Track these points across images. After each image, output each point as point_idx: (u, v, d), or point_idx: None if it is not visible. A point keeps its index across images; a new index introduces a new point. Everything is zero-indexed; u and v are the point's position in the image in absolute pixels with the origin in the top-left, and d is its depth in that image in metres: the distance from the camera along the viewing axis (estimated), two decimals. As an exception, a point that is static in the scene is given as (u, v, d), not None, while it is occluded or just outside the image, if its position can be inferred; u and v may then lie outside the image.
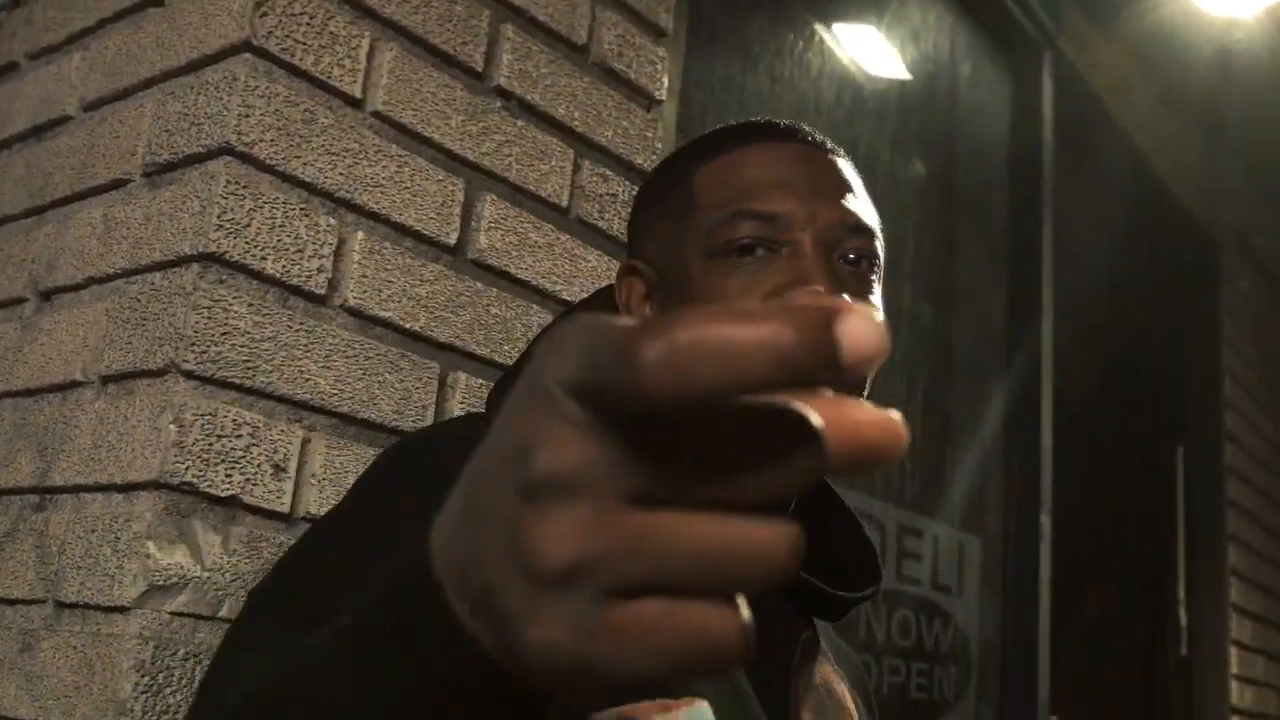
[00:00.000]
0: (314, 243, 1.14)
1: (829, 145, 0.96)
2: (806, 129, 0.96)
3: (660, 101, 1.57)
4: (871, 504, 2.17)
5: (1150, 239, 3.53)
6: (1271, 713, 3.95)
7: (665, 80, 1.58)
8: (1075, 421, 2.88)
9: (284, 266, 1.12)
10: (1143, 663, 3.46)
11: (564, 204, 1.41)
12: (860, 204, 0.92)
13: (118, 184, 1.20)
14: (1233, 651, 3.64)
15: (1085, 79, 3.01)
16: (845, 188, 0.92)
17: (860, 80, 2.32)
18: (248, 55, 1.11)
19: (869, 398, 0.77)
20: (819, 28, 2.21)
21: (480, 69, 1.33)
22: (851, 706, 0.97)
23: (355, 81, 1.20)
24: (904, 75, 2.44)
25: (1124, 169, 3.25)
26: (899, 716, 2.20)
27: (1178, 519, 3.58)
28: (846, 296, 0.80)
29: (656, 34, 1.59)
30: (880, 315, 0.78)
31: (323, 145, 1.16)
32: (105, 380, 1.12)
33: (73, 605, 1.06)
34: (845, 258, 0.89)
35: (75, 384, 1.15)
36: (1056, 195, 2.83)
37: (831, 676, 0.96)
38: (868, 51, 2.34)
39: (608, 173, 1.47)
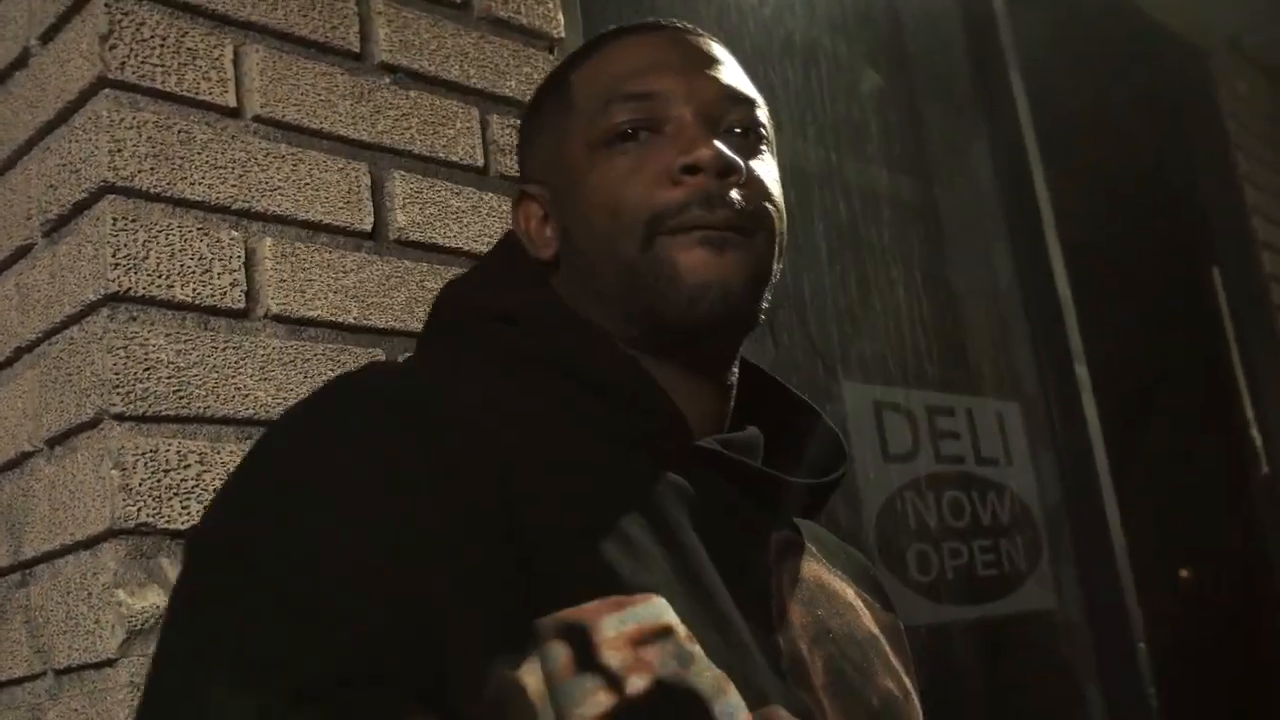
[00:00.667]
0: (220, 259, 1.13)
1: (701, 31, 0.93)
2: (679, 21, 0.93)
3: (561, 39, 1.53)
4: (893, 393, 2.12)
5: (1131, 63, 3.43)
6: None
7: (561, 17, 1.55)
8: (1097, 266, 2.81)
9: (194, 289, 1.10)
10: (1220, 490, 3.39)
11: (480, 164, 1.38)
12: (738, 77, 0.90)
13: (22, 251, 1.19)
14: (1316, 457, 3.55)
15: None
16: (721, 63, 0.89)
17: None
18: (107, 90, 1.10)
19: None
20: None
21: (358, 49, 1.30)
22: (854, 600, 0.93)
23: (227, 91, 1.18)
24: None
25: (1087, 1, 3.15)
26: (970, 596, 2.16)
27: (1229, 340, 3.49)
28: (741, 161, 0.82)
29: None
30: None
31: (207, 161, 1.14)
32: (51, 443, 1.11)
33: (68, 670, 1.05)
34: (731, 131, 0.86)
35: (26, 455, 1.15)
36: (1019, 39, 2.75)
37: (823, 572, 0.92)
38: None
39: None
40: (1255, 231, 3.65)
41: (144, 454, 1.03)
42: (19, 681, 1.12)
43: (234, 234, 1.14)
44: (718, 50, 0.91)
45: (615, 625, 0.67)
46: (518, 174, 1.01)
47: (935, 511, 2.13)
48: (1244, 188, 3.69)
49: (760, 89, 0.92)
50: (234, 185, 1.15)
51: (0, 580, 1.16)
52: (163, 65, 1.13)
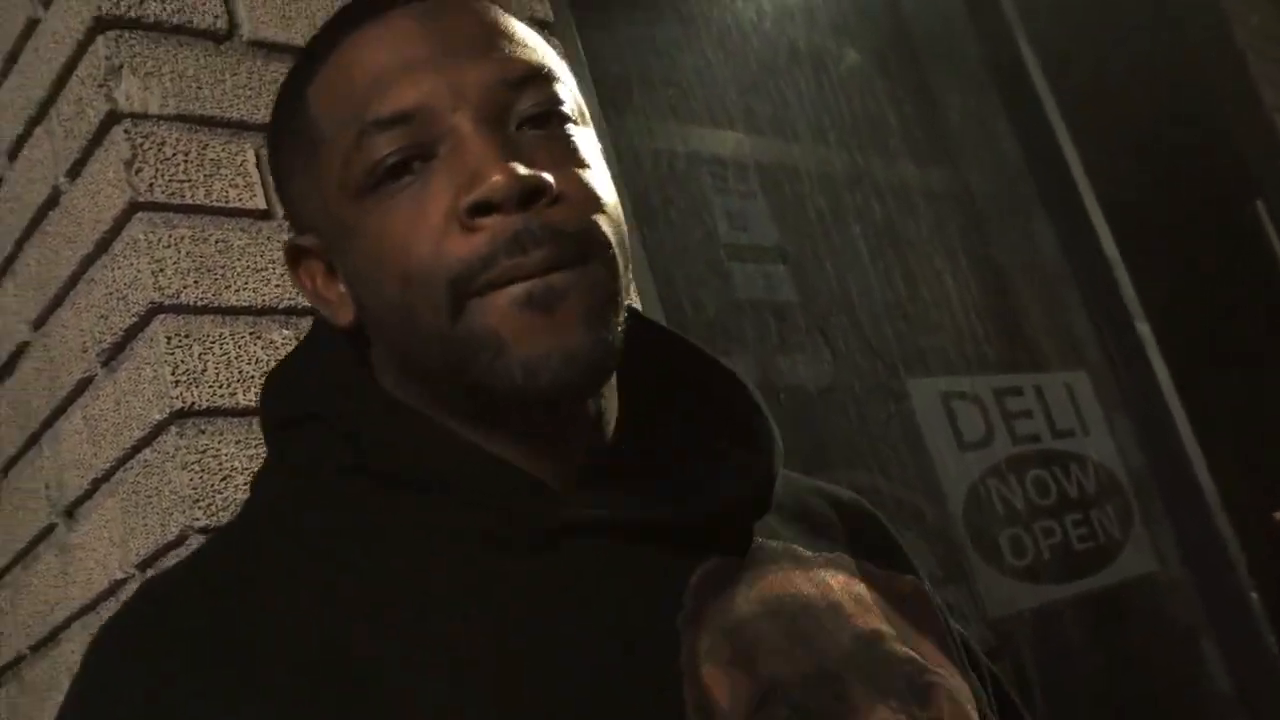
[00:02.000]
0: (275, 360, 1.13)
1: None
2: None
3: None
4: (958, 382, 2.10)
5: (1140, 12, 3.40)
6: None
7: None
8: (1141, 222, 2.77)
9: (256, 394, 1.11)
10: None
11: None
12: (518, 47, 0.69)
13: (84, 384, 1.21)
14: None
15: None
16: (492, 36, 0.68)
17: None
18: (139, 214, 1.11)
19: None
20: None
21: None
22: (840, 592, 0.73)
23: (255, 195, 1.19)
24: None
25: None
26: (1070, 572, 2.12)
27: (1284, 272, 3.43)
28: (548, 176, 0.64)
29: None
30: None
31: (247, 266, 1.15)
32: (142, 567, 1.12)
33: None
34: (525, 123, 0.67)
35: (120, 583, 1.16)
36: (1023, 7, 2.73)
37: (785, 580, 0.71)
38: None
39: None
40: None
41: (232, 563, 1.04)
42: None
43: (285, 332, 1.15)
44: (485, 14, 0.70)
45: None
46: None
47: (1021, 493, 2.10)
48: (1274, 118, 3.64)
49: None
50: (277, 285, 1.16)
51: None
52: (189, 180, 1.15)
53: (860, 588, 0.74)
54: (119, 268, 1.13)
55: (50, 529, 1.29)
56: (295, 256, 0.74)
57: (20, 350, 1.34)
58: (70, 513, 1.25)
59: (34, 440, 1.31)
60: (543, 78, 0.68)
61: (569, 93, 0.69)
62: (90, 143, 1.17)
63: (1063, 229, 2.56)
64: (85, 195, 1.18)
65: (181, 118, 1.17)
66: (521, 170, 0.63)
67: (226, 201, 1.17)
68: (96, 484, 1.19)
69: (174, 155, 1.15)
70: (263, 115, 1.22)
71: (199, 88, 1.19)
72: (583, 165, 0.67)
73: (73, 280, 1.22)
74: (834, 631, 0.69)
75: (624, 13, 1.94)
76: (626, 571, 0.65)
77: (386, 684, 0.59)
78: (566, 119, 0.68)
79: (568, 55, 1.60)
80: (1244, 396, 3.02)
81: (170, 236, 1.12)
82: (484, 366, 0.64)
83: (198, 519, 1.04)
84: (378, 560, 0.65)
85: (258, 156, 1.21)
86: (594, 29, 1.81)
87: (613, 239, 0.67)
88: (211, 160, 1.17)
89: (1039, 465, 2.16)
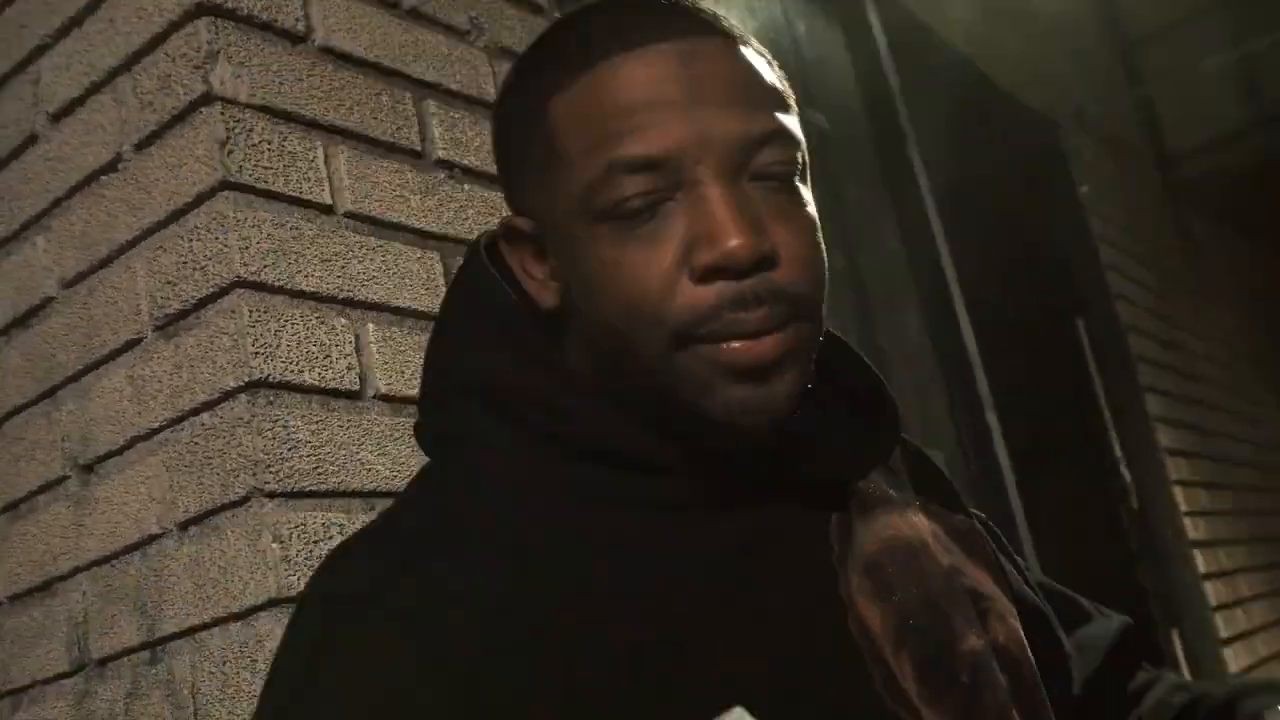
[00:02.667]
0: (336, 345, 1.22)
1: (712, 23, 0.75)
2: (679, 3, 0.75)
3: None
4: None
5: (998, 135, 3.73)
6: (1224, 537, 4.21)
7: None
8: (987, 318, 3.05)
9: (319, 374, 1.19)
10: (1104, 525, 3.67)
11: (526, 249, 1.50)
12: (765, 100, 0.74)
13: (131, 344, 1.26)
14: (1177, 491, 3.87)
15: (907, 8, 3.19)
16: (742, 86, 0.73)
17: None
18: (227, 192, 1.18)
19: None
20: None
21: (420, 148, 1.41)
22: (925, 531, 0.83)
23: (323, 190, 1.27)
24: (752, 49, 2.58)
25: (960, 79, 3.44)
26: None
27: (1095, 385, 3.79)
28: (775, 244, 0.71)
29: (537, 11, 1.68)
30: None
31: (316, 255, 1.23)
32: (184, 525, 1.18)
33: (223, 737, 1.12)
34: (762, 176, 0.73)
35: (153, 538, 1.21)
36: (912, 118, 2.99)
37: (887, 522, 0.81)
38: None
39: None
40: (1110, 286, 3.99)
41: (296, 527, 1.11)
42: (159, 754, 1.17)
43: (343, 321, 1.24)
44: (739, 60, 0.74)
45: None
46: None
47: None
48: (1099, 246, 4.04)
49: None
50: (339, 276, 1.25)
51: (127, 659, 1.22)
52: (271, 168, 1.23)
53: (935, 526, 0.85)
54: (199, 240, 1.19)
55: (60, 481, 1.32)
56: (510, 232, 0.80)
57: (43, 305, 1.37)
58: (91, 467, 1.29)
59: (51, 393, 1.34)
60: (783, 138, 0.73)
61: (801, 153, 0.75)
62: (175, 119, 1.23)
63: (932, 320, 2.81)
64: (161, 167, 1.24)
65: (265, 109, 1.24)
66: (754, 239, 0.69)
67: (300, 193, 1.25)
68: (134, 441, 1.24)
69: (259, 143, 1.23)
70: (331, 117, 1.31)
71: (280, 84, 1.27)
72: (803, 225, 0.74)
73: (130, 245, 1.27)
74: (930, 569, 0.80)
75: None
76: (787, 522, 0.77)
77: (616, 628, 0.68)
78: (795, 177, 0.75)
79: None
80: (1062, 495, 3.33)
81: (254, 217, 1.19)
82: (689, 400, 0.72)
83: (267, 482, 1.11)
84: (587, 550, 0.72)
85: (325, 154, 1.29)
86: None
87: (821, 297, 0.75)
88: (289, 153, 1.25)
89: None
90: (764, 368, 0.71)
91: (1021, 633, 0.84)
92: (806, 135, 0.77)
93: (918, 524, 0.84)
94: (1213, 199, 5.28)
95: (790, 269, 0.72)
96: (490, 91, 1.55)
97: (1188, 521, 3.89)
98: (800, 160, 0.76)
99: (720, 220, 0.70)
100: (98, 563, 1.26)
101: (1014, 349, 3.27)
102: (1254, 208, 5.47)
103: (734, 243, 0.69)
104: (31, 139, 1.41)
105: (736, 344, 0.71)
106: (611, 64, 0.72)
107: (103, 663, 1.25)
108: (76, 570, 1.29)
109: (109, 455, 1.27)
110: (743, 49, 0.75)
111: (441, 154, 1.43)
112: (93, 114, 1.33)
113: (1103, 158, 4.40)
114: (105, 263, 1.30)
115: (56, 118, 1.38)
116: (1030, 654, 0.84)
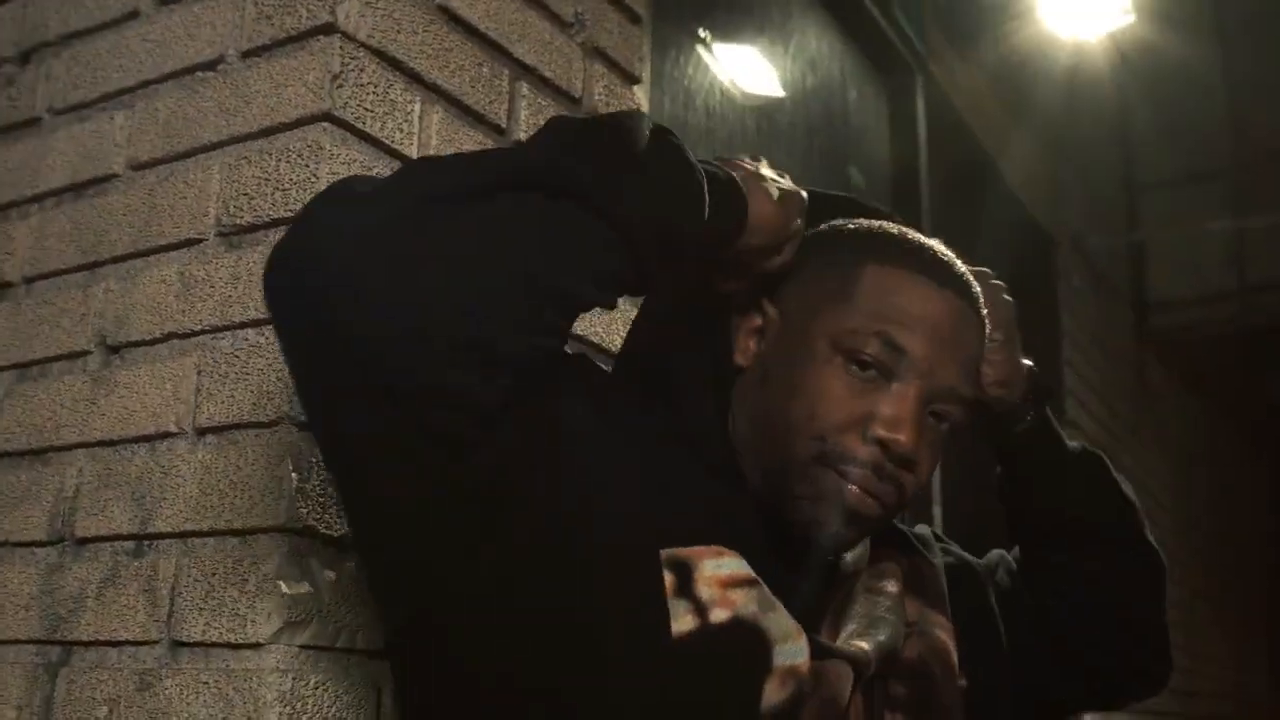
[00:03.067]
0: (391, 296, 1.24)
1: (974, 300, 1.02)
2: (960, 271, 1.02)
3: None
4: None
5: (1002, 242, 3.82)
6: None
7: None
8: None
9: (370, 320, 1.21)
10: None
11: (576, 247, 1.53)
12: (972, 372, 1.01)
13: (190, 243, 1.27)
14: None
15: (949, 99, 3.26)
16: (968, 352, 1.00)
17: (771, 108, 2.49)
18: (327, 124, 1.20)
19: None
20: (736, 62, 2.37)
21: (504, 125, 1.44)
22: (896, 585, 1.05)
23: (411, 144, 1.29)
24: (806, 101, 2.63)
25: (982, 179, 3.52)
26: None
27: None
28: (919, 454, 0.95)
29: (632, 81, 1.72)
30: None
31: (392, 205, 1.25)
32: (202, 431, 1.19)
33: (193, 644, 1.13)
34: (934, 412, 0.97)
35: (167, 434, 1.22)
36: (932, 205, 3.06)
37: (873, 580, 1.05)
38: (773, 80, 2.52)
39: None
40: (1066, 411, 4.09)
41: (317, 461, 1.13)
42: (121, 644, 1.18)
43: (402, 275, 1.26)
44: (974, 330, 1.01)
45: (712, 567, 0.85)
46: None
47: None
48: (1065, 369, 4.14)
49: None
50: (408, 231, 1.27)
51: (109, 545, 1.23)
52: (372, 111, 1.25)
53: (901, 582, 1.07)
54: (288, 162, 1.21)
55: (82, 354, 1.33)
56: (755, 303, 1.02)
57: (105, 179, 1.37)
58: (118, 350, 1.30)
59: (92, 267, 1.35)
60: (963, 401, 0.98)
61: (964, 412, 0.99)
62: (290, 39, 1.25)
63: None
64: (266, 81, 1.26)
65: (380, 53, 1.26)
66: (917, 444, 0.93)
67: (392, 141, 1.27)
68: (169, 336, 1.25)
69: (368, 83, 1.24)
70: (435, 75, 1.33)
71: (398, 32, 1.29)
72: (936, 456, 0.98)
73: (213, 146, 1.28)
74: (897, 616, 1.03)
75: (673, 94, 2.11)
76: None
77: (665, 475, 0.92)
78: (948, 423, 0.99)
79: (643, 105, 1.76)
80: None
81: (347, 154, 1.21)
82: (793, 493, 0.94)
83: (299, 412, 1.13)
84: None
85: (422, 110, 1.31)
86: (658, 92, 1.97)
87: (908, 500, 0.97)
88: (391, 100, 1.27)
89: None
90: (855, 515, 0.93)
91: (948, 645, 1.06)
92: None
93: (894, 579, 1.06)
94: (1180, 353, 5.42)
95: (918, 478, 0.96)
96: (578, 87, 1.58)
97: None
98: (954, 420, 0.99)
99: (906, 418, 0.94)
100: (103, 444, 1.27)
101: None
102: (1218, 371, 5.62)
103: (905, 437, 0.93)
104: (132, 15, 1.41)
105: (854, 487, 0.93)
106: (918, 279, 0.98)
107: (82, 542, 1.25)
108: (79, 445, 1.29)
109: (141, 343, 1.28)
110: (979, 324, 1.02)
111: (521, 137, 1.46)
112: (205, 9, 1.34)
113: (1087, 287, 4.51)
114: (182, 156, 1.31)
115: (164, 1, 1.38)
116: (951, 660, 1.05)
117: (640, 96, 1.73)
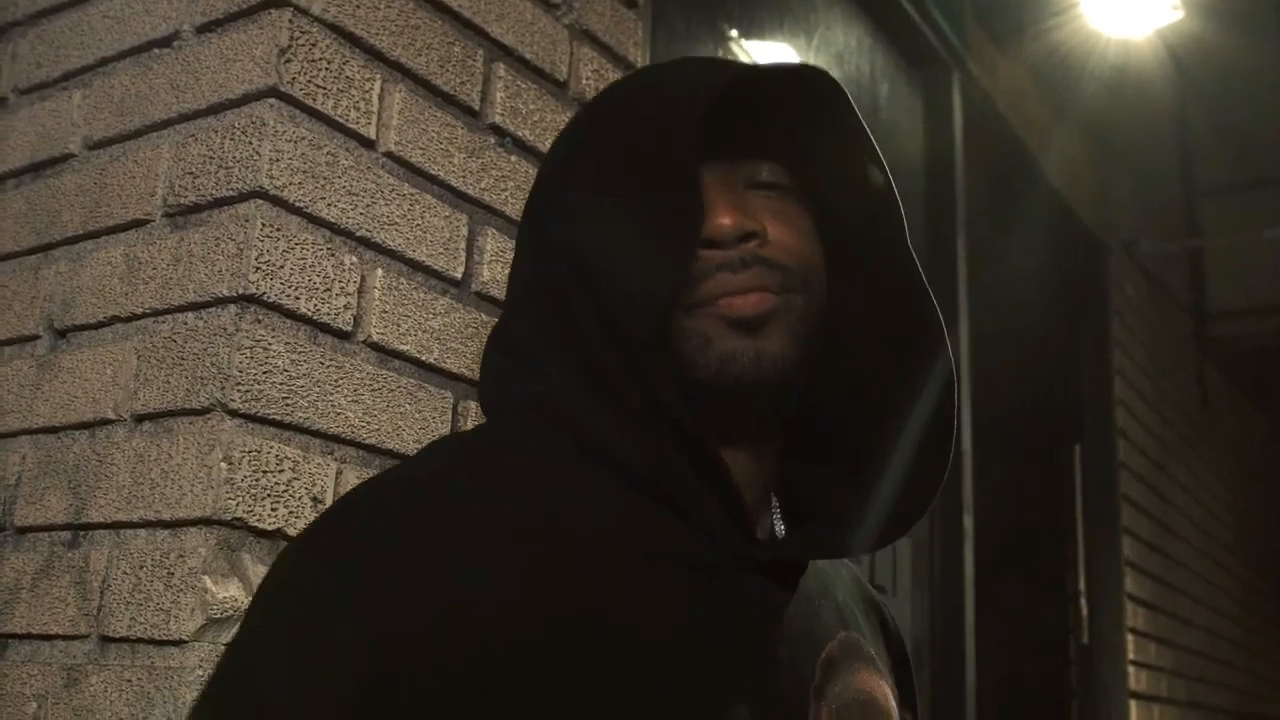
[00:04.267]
0: (340, 281, 1.19)
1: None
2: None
3: None
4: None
5: (1047, 246, 3.71)
6: (1163, 695, 4.17)
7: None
8: (988, 423, 3.02)
9: (315, 305, 1.16)
10: (1051, 651, 3.63)
11: (555, 235, 1.47)
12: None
13: (137, 224, 1.23)
14: (1129, 638, 3.84)
15: (990, 96, 3.16)
16: None
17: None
18: (273, 100, 1.15)
19: None
20: (751, 55, 2.30)
21: (477, 107, 1.38)
22: (887, 704, 0.85)
23: (369, 123, 1.24)
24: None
25: (1024, 180, 3.41)
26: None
27: (1077, 514, 3.76)
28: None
29: (625, 65, 1.65)
30: None
31: (344, 186, 1.20)
32: (139, 418, 1.15)
33: (120, 640, 1.08)
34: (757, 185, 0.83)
35: (105, 421, 1.18)
36: (968, 206, 2.96)
37: (872, 681, 0.84)
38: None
39: (591, 203, 1.53)
40: (1116, 421, 3.96)
41: (250, 451, 1.08)
42: (52, 638, 1.14)
43: (353, 259, 1.20)
44: None
45: None
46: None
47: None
48: (1115, 378, 4.01)
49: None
50: (361, 213, 1.22)
51: (46, 535, 1.18)
52: (324, 88, 1.20)
53: (890, 691, 0.88)
54: (233, 139, 1.16)
55: (32, 339, 1.29)
56: None
57: (61, 159, 1.33)
58: (65, 334, 1.26)
59: (45, 249, 1.31)
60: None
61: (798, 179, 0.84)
62: (242, 13, 1.20)
63: (934, 409, 2.78)
64: (216, 56, 1.21)
65: (335, 28, 1.21)
66: (740, 218, 0.78)
67: (346, 120, 1.21)
68: (113, 320, 1.21)
69: (320, 59, 1.19)
70: (398, 53, 1.28)
71: (356, 7, 1.24)
72: (793, 221, 0.81)
73: (162, 125, 1.24)
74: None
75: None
76: (749, 591, 0.76)
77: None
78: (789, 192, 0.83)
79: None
80: (1021, 607, 3.29)
81: (294, 132, 1.16)
82: (688, 358, 0.77)
83: (233, 399, 1.07)
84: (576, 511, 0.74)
85: (382, 88, 1.26)
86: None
87: (809, 276, 0.81)
88: (347, 78, 1.22)
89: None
90: (753, 321, 0.77)
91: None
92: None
93: (886, 691, 0.87)
94: (1238, 365, 5.24)
95: (777, 247, 0.79)
96: (563, 70, 1.52)
97: (1131, 670, 3.85)
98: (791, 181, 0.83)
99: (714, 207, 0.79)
100: (45, 430, 1.23)
101: (1006, 459, 3.24)
102: (1277, 384, 5.44)
103: (720, 220, 0.77)
104: (95, -7, 1.37)
105: (729, 299, 0.77)
106: None
107: (22, 531, 1.21)
108: (22, 432, 1.25)
109: (85, 327, 1.24)
110: None
111: (498, 119, 1.40)
112: (162, -15, 1.30)
113: (1141, 295, 4.37)
114: (133, 135, 1.27)
115: (126, -22, 1.35)
116: None
117: (635, 82, 1.66)
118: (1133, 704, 3.82)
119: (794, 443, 0.88)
